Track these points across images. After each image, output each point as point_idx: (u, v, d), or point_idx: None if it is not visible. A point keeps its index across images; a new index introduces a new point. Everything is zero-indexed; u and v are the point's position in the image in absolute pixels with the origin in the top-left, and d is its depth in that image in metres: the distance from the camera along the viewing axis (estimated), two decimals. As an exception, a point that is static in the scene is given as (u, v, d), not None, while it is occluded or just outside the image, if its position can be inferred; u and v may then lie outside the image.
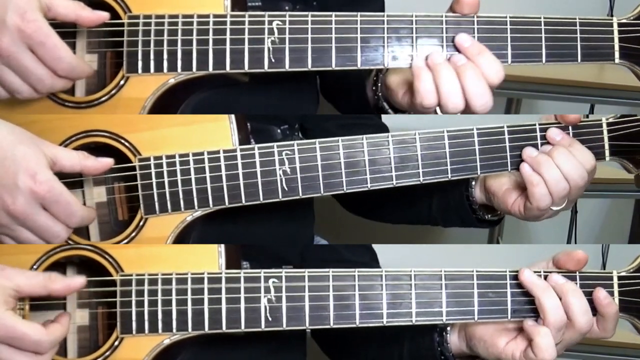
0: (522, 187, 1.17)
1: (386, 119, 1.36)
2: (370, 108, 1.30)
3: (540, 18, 1.12)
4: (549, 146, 1.13)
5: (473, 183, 1.24)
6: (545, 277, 1.11)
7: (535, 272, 1.11)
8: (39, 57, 1.04)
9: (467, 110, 1.10)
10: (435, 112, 1.12)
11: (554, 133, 1.13)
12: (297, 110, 1.27)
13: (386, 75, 1.24)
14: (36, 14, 1.02)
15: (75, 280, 1.06)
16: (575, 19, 1.12)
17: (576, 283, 1.11)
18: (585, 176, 1.13)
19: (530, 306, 1.10)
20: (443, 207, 1.29)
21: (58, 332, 1.04)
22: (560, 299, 1.09)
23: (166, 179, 1.11)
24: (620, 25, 1.12)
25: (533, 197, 1.13)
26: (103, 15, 1.07)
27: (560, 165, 1.11)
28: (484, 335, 1.13)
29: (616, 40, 1.12)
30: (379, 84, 1.25)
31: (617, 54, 1.12)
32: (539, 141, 1.14)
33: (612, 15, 1.13)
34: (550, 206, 1.14)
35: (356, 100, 1.33)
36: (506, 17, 1.11)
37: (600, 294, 1.10)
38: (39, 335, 1.02)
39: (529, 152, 1.13)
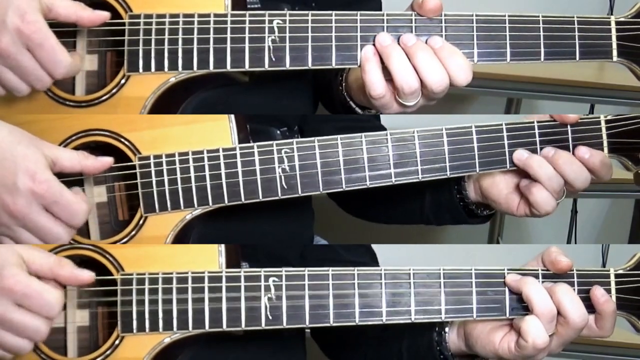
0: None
1: (384, 118, 1.36)
2: (337, 107, 1.30)
3: (538, 17, 1.12)
4: (550, 149, 1.14)
5: (465, 184, 1.24)
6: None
7: (529, 270, 1.12)
8: (37, 59, 1.04)
9: (424, 90, 1.10)
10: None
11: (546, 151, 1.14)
12: (296, 110, 1.27)
13: (348, 73, 1.25)
14: (36, 16, 1.02)
15: (84, 273, 1.05)
16: (574, 17, 1.12)
17: (573, 281, 1.11)
18: (588, 177, 1.14)
19: (528, 304, 1.11)
20: (435, 206, 1.30)
21: (64, 298, 1.05)
22: (551, 297, 1.09)
23: (166, 178, 1.11)
24: (618, 23, 1.12)
25: (536, 204, 1.15)
26: (104, 15, 1.08)
27: (561, 169, 1.13)
28: (480, 333, 1.13)
29: (614, 38, 1.12)
30: (343, 84, 1.26)
31: (615, 52, 1.13)
32: (537, 138, 1.14)
33: (612, 14, 1.14)
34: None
35: (329, 100, 1.34)
36: (505, 16, 1.12)
37: (598, 292, 1.10)
38: (52, 296, 1.02)
39: (518, 156, 1.14)
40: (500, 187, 1.20)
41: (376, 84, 1.10)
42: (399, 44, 1.10)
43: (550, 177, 1.13)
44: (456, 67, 1.09)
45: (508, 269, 1.12)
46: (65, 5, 1.05)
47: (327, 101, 1.37)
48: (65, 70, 1.05)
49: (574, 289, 1.11)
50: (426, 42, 1.10)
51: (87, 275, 1.06)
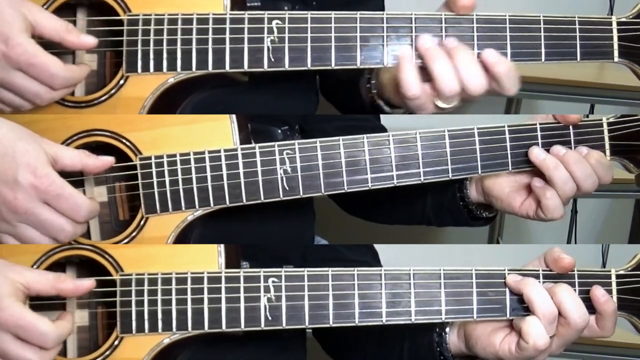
0: (527, 188, 1.18)
1: (386, 118, 1.36)
2: (364, 107, 1.30)
3: (539, 17, 1.12)
4: (560, 148, 1.14)
5: (467, 183, 1.24)
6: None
7: (530, 271, 1.12)
8: (32, 77, 1.04)
9: (462, 93, 1.10)
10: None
11: (557, 149, 1.14)
12: (297, 110, 1.27)
13: (380, 72, 1.24)
14: (20, 38, 1.02)
15: (85, 282, 1.06)
16: (575, 17, 1.12)
17: (574, 282, 1.11)
18: (596, 181, 1.15)
19: (529, 304, 1.11)
20: (436, 207, 1.30)
21: (65, 329, 1.04)
22: (551, 298, 1.09)
23: (167, 178, 1.11)
24: (619, 24, 1.12)
25: (547, 209, 1.14)
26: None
27: (572, 172, 1.13)
28: (481, 335, 1.13)
29: (615, 38, 1.12)
30: (373, 82, 1.26)
31: (616, 53, 1.12)
32: (539, 140, 1.14)
33: (612, 14, 1.13)
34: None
35: (350, 100, 1.33)
36: (505, 16, 1.11)
37: (598, 292, 1.10)
38: (46, 326, 1.01)
39: (535, 154, 1.14)
40: (502, 184, 1.20)
41: (412, 84, 1.09)
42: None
43: (565, 182, 1.13)
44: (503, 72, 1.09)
45: (508, 270, 1.12)
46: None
47: (343, 100, 1.37)
48: (64, 80, 1.05)
49: (575, 290, 1.11)
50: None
51: (89, 284, 1.06)
